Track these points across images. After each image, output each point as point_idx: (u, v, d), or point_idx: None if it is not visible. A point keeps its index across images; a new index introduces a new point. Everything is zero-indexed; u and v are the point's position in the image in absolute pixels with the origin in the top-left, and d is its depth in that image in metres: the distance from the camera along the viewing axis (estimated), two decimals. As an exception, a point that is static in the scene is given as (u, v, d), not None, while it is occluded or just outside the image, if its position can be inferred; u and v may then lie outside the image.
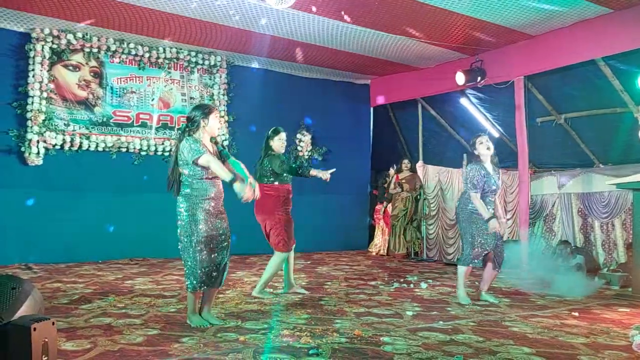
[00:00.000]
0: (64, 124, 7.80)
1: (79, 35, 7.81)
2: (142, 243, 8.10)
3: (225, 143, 8.76)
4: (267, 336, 3.76)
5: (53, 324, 2.63)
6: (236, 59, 9.10)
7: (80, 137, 7.84)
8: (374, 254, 9.73)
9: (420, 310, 4.84)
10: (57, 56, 7.77)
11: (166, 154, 8.35)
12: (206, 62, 8.84)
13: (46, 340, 2.54)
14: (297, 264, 7.97)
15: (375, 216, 10.12)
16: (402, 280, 6.65)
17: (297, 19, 7.07)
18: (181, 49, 8.60)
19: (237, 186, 3.85)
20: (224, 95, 9.02)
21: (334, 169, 5.26)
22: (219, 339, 3.66)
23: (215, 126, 4.17)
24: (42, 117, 7.54)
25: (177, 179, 4.05)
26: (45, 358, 2.54)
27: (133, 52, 8.26)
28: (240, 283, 6.11)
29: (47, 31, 7.57)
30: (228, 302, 4.96)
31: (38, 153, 7.49)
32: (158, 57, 8.49)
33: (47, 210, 7.56)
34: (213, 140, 4.21)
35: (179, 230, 4.03)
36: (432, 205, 9.37)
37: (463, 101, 8.93)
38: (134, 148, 8.26)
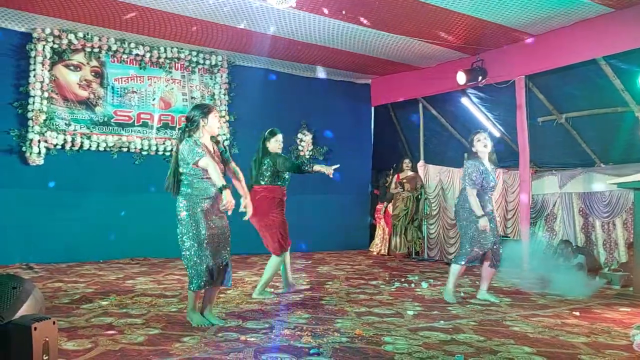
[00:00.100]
0: (65, 124, 7.81)
1: (80, 35, 7.81)
2: (143, 243, 8.10)
3: (226, 143, 8.77)
4: (268, 336, 3.76)
5: (54, 323, 2.63)
6: (237, 59, 9.10)
7: (81, 137, 7.85)
8: (374, 253, 9.72)
9: (421, 309, 4.84)
10: (58, 56, 7.77)
11: (167, 153, 8.35)
12: (207, 62, 8.84)
13: (47, 339, 2.54)
14: (298, 263, 7.98)
15: (376, 215, 10.13)
16: (403, 279, 6.65)
17: (297, 18, 7.07)
18: (182, 49, 8.61)
19: (225, 194, 3.90)
20: (224, 95, 9.03)
21: (337, 165, 5.24)
22: (220, 339, 3.66)
23: (215, 125, 4.18)
24: (43, 117, 7.54)
25: (177, 179, 4.06)
26: (46, 357, 2.54)
27: (134, 52, 8.27)
28: (241, 283, 6.12)
29: (48, 31, 7.57)
30: (229, 302, 4.97)
31: (39, 153, 7.50)
32: (159, 57, 8.49)
33: (48, 210, 7.56)
34: (214, 139, 4.22)
35: (179, 230, 4.03)
36: (433, 205, 9.36)
37: (464, 101, 8.93)
38: (135, 148, 8.26)
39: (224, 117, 8.90)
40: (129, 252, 8.09)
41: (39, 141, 7.49)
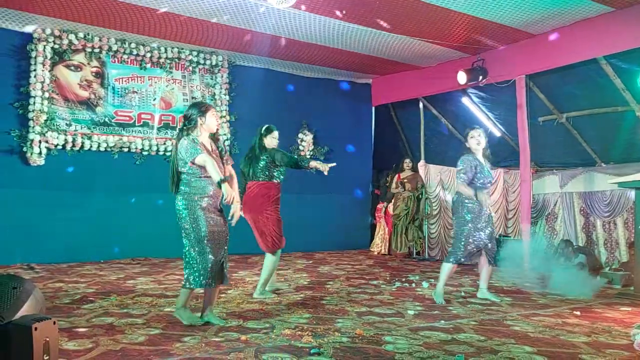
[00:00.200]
0: (66, 124, 7.81)
1: (81, 35, 7.82)
2: (143, 243, 8.10)
3: (227, 143, 8.77)
4: (269, 335, 3.76)
5: (54, 323, 2.62)
6: (237, 59, 9.10)
7: (82, 137, 7.86)
8: (375, 253, 9.73)
9: (422, 309, 4.84)
10: (59, 56, 7.78)
11: (168, 153, 8.35)
12: (208, 62, 8.85)
13: (47, 339, 2.54)
14: (298, 263, 7.99)
15: (376, 215, 10.13)
16: (403, 279, 6.65)
17: (298, 18, 7.07)
18: (183, 49, 8.61)
19: (225, 187, 3.89)
20: (225, 95, 9.03)
21: (334, 163, 5.25)
22: (221, 339, 3.66)
23: (212, 123, 4.17)
24: (44, 117, 7.55)
25: (178, 178, 4.07)
26: (47, 358, 2.53)
27: (134, 52, 8.27)
28: (242, 282, 6.12)
29: (48, 31, 7.58)
30: (230, 302, 4.97)
31: (40, 153, 7.51)
32: (159, 57, 8.49)
33: (49, 210, 7.57)
34: (212, 136, 4.22)
35: (181, 226, 4.04)
36: (433, 205, 9.36)
37: (465, 100, 8.93)
38: (136, 148, 8.27)
39: (224, 117, 8.90)
40: (130, 252, 8.10)
41: (40, 141, 7.50)
